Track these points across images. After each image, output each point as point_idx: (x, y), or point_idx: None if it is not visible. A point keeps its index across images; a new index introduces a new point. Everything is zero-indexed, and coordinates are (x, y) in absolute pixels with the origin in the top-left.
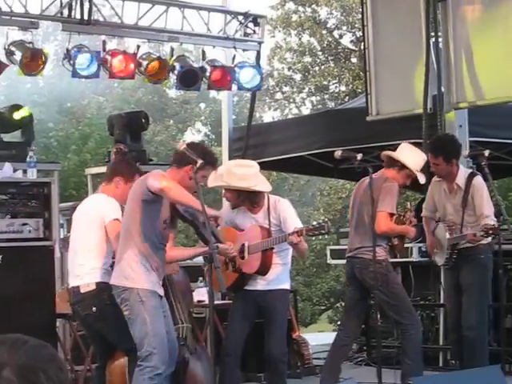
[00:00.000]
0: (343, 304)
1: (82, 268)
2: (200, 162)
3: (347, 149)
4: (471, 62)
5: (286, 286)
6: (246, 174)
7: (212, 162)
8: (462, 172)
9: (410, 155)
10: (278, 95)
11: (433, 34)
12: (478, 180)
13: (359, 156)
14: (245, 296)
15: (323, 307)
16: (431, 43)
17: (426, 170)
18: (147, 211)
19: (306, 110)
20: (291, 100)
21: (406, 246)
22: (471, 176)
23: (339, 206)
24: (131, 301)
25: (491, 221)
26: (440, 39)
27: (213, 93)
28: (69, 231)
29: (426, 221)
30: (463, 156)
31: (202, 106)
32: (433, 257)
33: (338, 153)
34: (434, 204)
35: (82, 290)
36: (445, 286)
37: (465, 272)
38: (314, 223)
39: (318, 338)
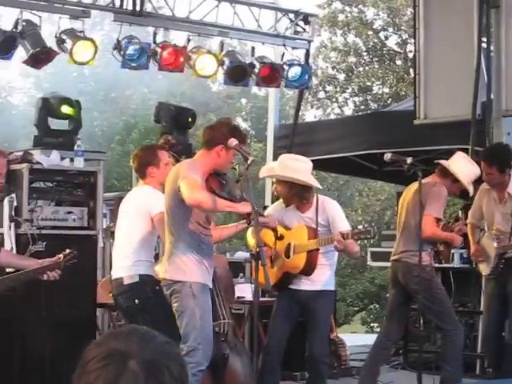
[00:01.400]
0: (377, 306)
1: (127, 260)
2: (251, 158)
3: (394, 152)
4: None
5: (331, 287)
6: (299, 167)
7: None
8: None
9: (464, 167)
10: (321, 94)
11: (484, 39)
12: None
13: (409, 160)
14: (289, 295)
15: (357, 308)
16: (482, 49)
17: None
18: (178, 204)
19: (348, 110)
20: (334, 99)
21: None
22: None
23: (377, 207)
24: (183, 294)
25: None
26: (491, 45)
27: (254, 89)
28: (112, 221)
29: (471, 228)
30: None
31: (244, 101)
32: (478, 266)
33: (387, 155)
34: (481, 212)
35: (126, 282)
36: (487, 294)
37: None
38: (360, 227)
39: (351, 339)
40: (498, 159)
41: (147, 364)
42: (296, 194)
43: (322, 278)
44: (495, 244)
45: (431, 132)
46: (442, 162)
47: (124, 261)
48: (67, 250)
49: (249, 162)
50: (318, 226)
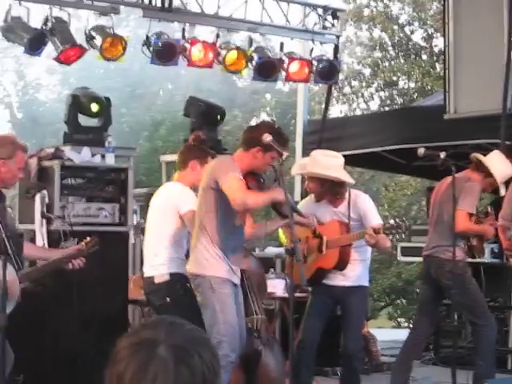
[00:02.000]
0: (404, 301)
1: (157, 258)
2: (285, 154)
3: (424, 146)
4: None
5: (365, 282)
6: (331, 163)
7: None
8: None
9: (500, 165)
10: (347, 89)
11: None
12: None
13: (442, 154)
14: (323, 290)
15: (383, 303)
16: None
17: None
18: (220, 198)
19: (374, 105)
20: (359, 94)
21: None
22: None
23: (404, 202)
24: (203, 288)
25: None
26: None
27: (279, 84)
28: (142, 217)
29: (502, 230)
30: None
31: (268, 96)
32: (510, 261)
33: (421, 150)
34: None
35: (156, 281)
36: None
37: None
38: (392, 221)
39: (379, 334)
40: None
41: (176, 349)
42: (328, 190)
43: (356, 274)
44: None
45: (461, 126)
46: (478, 155)
47: (154, 259)
48: (88, 238)
49: (283, 157)
50: (351, 221)
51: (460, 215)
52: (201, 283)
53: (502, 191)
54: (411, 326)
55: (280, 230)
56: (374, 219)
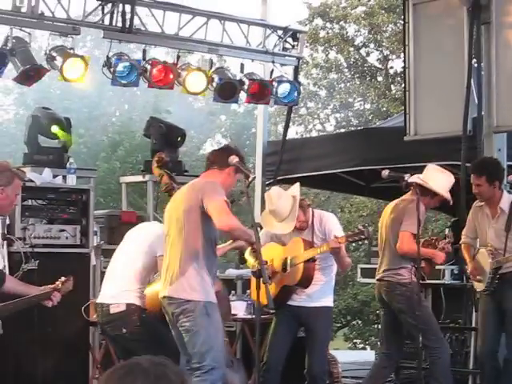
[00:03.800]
0: (359, 322)
1: (117, 288)
2: (252, 176)
3: (386, 168)
4: None
5: (330, 303)
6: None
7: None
8: (506, 197)
9: (439, 180)
10: (303, 110)
11: (474, 55)
12: None
13: (406, 176)
14: (288, 311)
15: (339, 324)
16: (472, 65)
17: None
18: (206, 221)
19: (330, 127)
20: (315, 116)
21: (438, 267)
22: None
23: (360, 223)
24: (196, 313)
25: None
26: (482, 61)
27: (234, 105)
28: (102, 239)
29: (465, 248)
30: (506, 181)
31: (223, 117)
32: (474, 283)
33: (385, 172)
34: (475, 230)
35: (112, 311)
36: (482, 311)
37: (509, 296)
38: (355, 229)
39: (336, 355)
40: (486, 170)
41: None
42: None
43: (321, 295)
44: (490, 259)
45: (421, 148)
46: (418, 181)
47: (114, 289)
48: (63, 278)
49: (250, 179)
50: (315, 238)
51: (403, 236)
52: (194, 308)
53: (450, 199)
54: (368, 347)
55: (247, 253)
56: (339, 234)
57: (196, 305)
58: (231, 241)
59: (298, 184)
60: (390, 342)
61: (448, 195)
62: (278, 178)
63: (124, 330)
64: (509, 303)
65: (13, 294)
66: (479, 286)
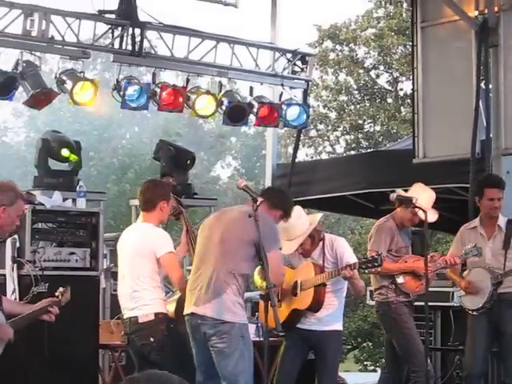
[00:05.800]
0: (370, 344)
1: (140, 300)
2: (260, 199)
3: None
4: None
5: (340, 327)
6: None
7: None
8: (501, 217)
9: (425, 198)
10: (313, 132)
11: (482, 78)
12: None
13: (415, 199)
14: (298, 335)
15: (349, 346)
16: (481, 88)
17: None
18: (252, 254)
19: (339, 149)
20: (325, 138)
21: (446, 290)
22: (510, 221)
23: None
24: (232, 335)
25: None
26: (490, 84)
27: (244, 127)
28: (112, 262)
29: (452, 271)
30: None
31: (233, 139)
32: (465, 303)
33: (393, 195)
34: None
35: (140, 320)
36: (474, 330)
37: (507, 318)
38: (368, 256)
39: (347, 378)
40: (504, 184)
41: None
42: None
43: (331, 318)
44: (490, 275)
45: (430, 171)
46: (402, 193)
47: (137, 301)
48: (61, 288)
49: (258, 203)
50: (326, 263)
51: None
52: (229, 330)
53: (433, 217)
54: (379, 369)
55: (256, 275)
56: (351, 259)
57: (232, 327)
58: None
59: (320, 215)
60: (392, 362)
61: (430, 211)
62: None
63: (151, 339)
64: (508, 326)
65: (11, 315)
66: (472, 304)
